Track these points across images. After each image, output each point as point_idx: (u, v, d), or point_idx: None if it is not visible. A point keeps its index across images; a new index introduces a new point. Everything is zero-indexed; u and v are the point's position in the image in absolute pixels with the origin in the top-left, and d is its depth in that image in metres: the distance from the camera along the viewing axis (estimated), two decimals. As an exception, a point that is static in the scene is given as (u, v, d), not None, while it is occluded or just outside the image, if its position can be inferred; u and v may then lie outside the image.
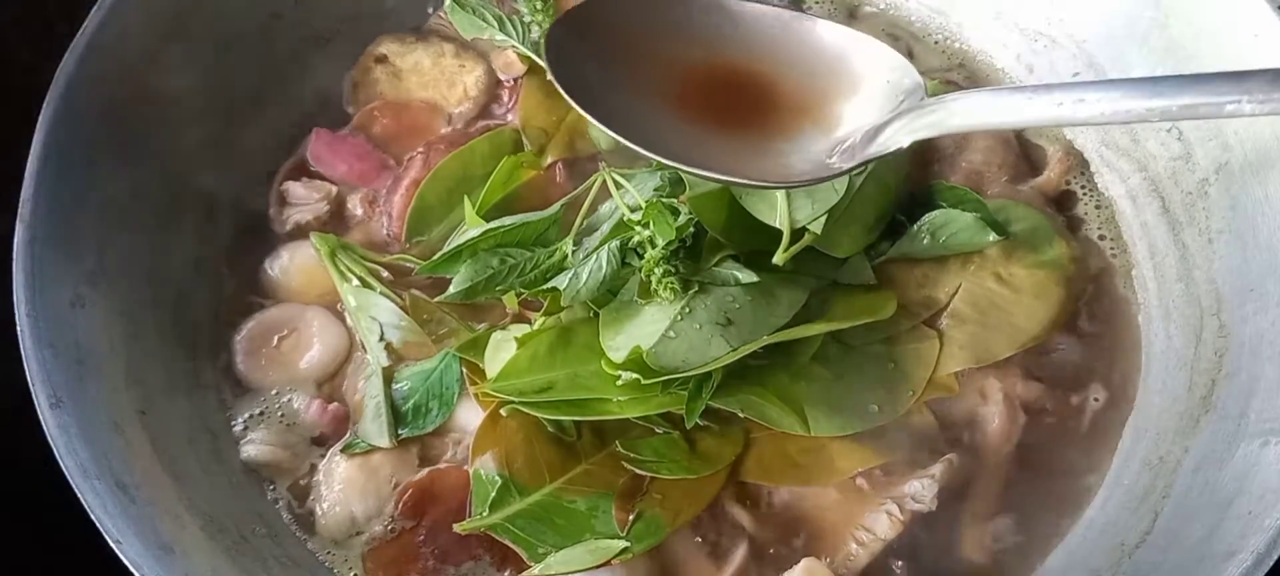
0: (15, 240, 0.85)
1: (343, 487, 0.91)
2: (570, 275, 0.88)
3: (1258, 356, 0.86)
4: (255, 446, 0.94)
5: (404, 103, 1.11)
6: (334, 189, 1.06)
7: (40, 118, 0.89)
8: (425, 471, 0.91)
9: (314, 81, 1.10)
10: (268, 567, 0.86)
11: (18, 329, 0.82)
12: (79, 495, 0.77)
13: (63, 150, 0.89)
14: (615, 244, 0.88)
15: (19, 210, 0.86)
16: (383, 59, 1.12)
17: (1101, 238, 1.02)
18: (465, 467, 0.89)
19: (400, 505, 0.90)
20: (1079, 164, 1.05)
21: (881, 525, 0.88)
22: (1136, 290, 1.00)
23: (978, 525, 0.90)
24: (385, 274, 1.00)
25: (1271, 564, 0.74)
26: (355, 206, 1.06)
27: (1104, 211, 1.03)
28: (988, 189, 1.00)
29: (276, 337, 0.99)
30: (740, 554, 0.88)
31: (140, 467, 0.83)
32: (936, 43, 1.13)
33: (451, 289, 0.90)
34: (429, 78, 1.11)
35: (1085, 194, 1.04)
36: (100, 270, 0.90)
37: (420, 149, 1.06)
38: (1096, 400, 0.95)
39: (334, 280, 0.99)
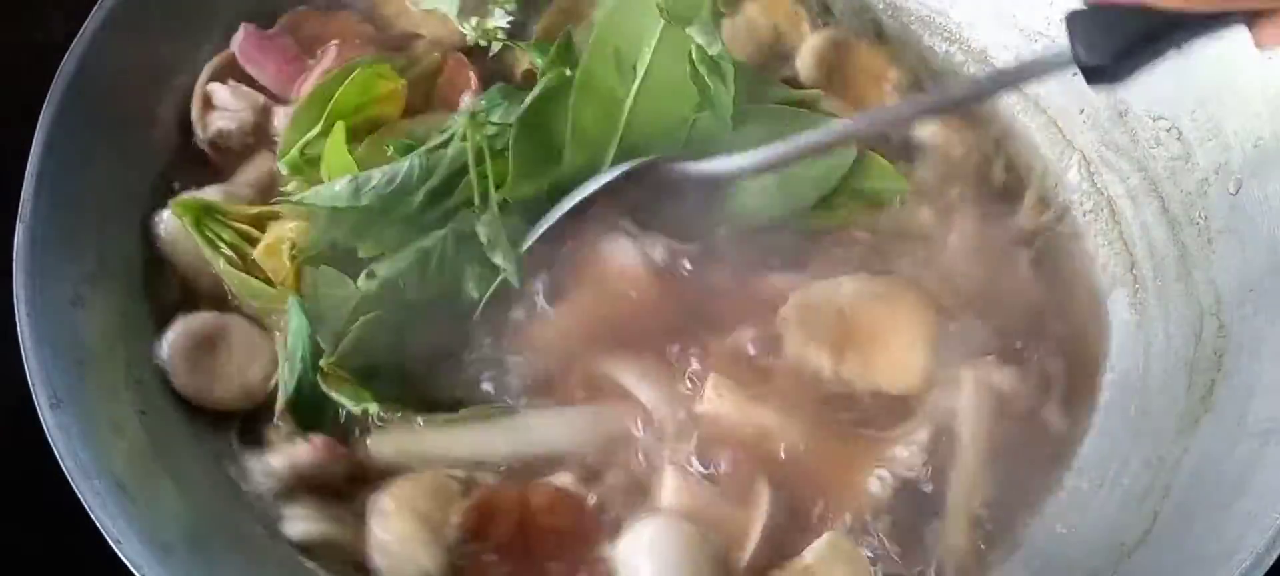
0: (15, 240, 0.85)
1: (402, 544, 0.84)
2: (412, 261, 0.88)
3: (1257, 356, 0.86)
4: (302, 524, 0.86)
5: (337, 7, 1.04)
6: (261, 99, 0.98)
7: (40, 118, 0.89)
8: (475, 494, 0.86)
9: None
10: (268, 567, 0.86)
11: (18, 329, 0.82)
12: (79, 495, 0.77)
13: (63, 150, 0.89)
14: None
15: (19, 210, 0.86)
16: None
17: (1101, 237, 1.03)
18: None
19: (464, 533, 0.85)
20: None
21: (873, 490, 0.88)
22: (1136, 290, 1.00)
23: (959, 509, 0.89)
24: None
25: (1271, 563, 0.74)
26: (281, 121, 0.97)
27: (1103, 211, 1.03)
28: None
29: (207, 349, 0.91)
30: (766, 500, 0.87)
31: (140, 467, 0.83)
32: (936, 42, 1.13)
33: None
34: None
35: (1084, 194, 1.04)
36: (100, 270, 0.90)
37: (335, 42, 0.98)
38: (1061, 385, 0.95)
39: (206, 255, 0.91)
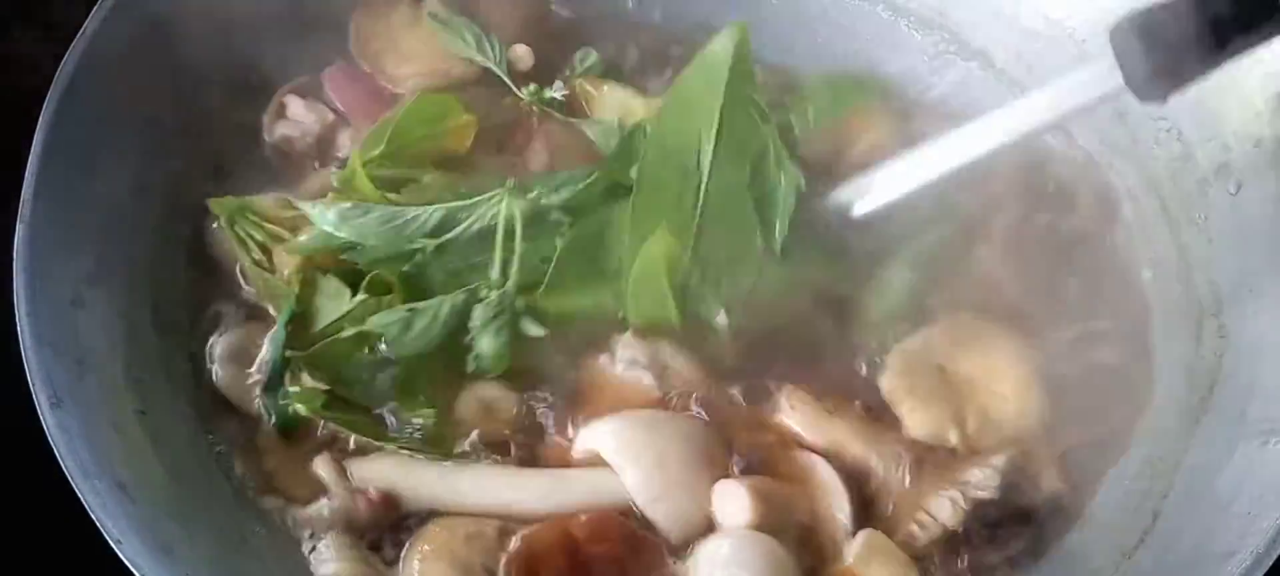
0: (15, 240, 0.85)
1: None
2: (399, 317, 0.87)
3: (1257, 357, 0.86)
4: (331, 565, 0.84)
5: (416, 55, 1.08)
6: (331, 116, 1.03)
7: (40, 118, 0.89)
8: (516, 540, 0.84)
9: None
10: (268, 567, 0.86)
11: (18, 329, 0.82)
12: (79, 495, 0.77)
13: (63, 150, 0.89)
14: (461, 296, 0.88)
15: (19, 210, 0.86)
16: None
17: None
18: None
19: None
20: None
21: (944, 511, 0.85)
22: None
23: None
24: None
25: (1270, 564, 0.74)
26: (345, 141, 1.02)
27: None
28: None
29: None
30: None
31: (140, 467, 0.83)
32: (937, 43, 1.13)
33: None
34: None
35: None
36: (100, 270, 0.90)
37: (416, 73, 1.05)
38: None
39: (237, 254, 0.95)
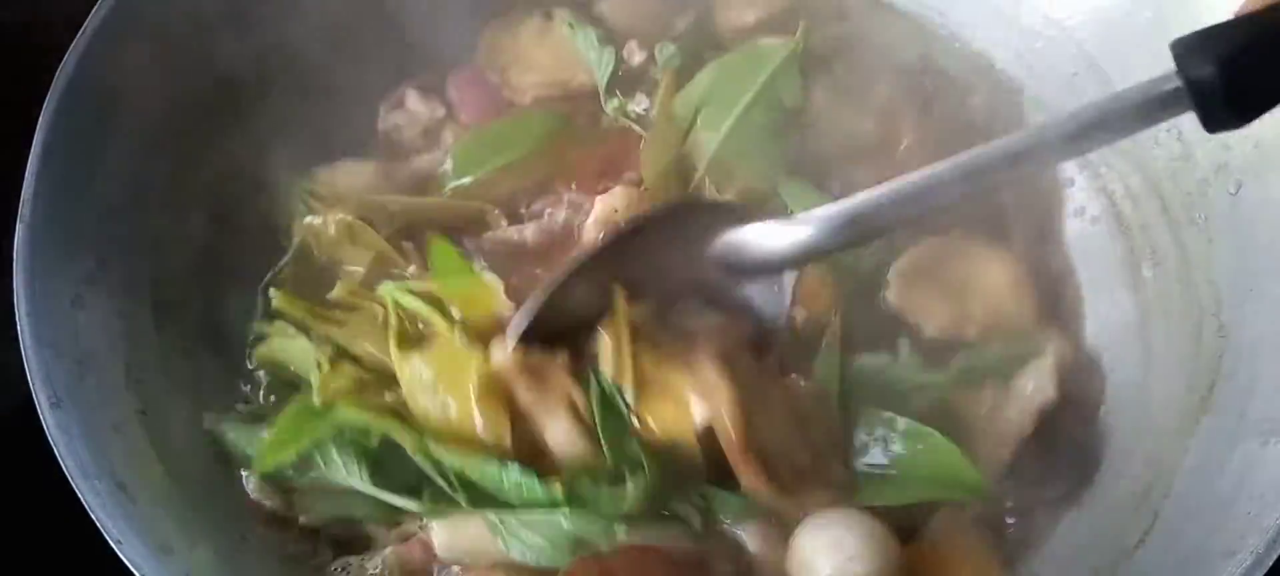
0: (15, 240, 0.85)
1: None
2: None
3: (1257, 356, 0.86)
4: None
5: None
6: (443, 112, 1.10)
7: (40, 117, 0.89)
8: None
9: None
10: (269, 567, 0.86)
11: (18, 329, 0.82)
12: (79, 495, 0.77)
13: (63, 150, 0.89)
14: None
15: (19, 210, 0.86)
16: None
17: (1101, 237, 1.03)
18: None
19: None
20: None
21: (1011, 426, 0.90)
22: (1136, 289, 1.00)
23: None
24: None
25: (1271, 563, 0.74)
26: (449, 137, 1.09)
27: (1104, 211, 1.03)
28: None
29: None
30: None
31: (140, 467, 0.83)
32: (936, 43, 1.13)
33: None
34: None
35: (1085, 194, 1.04)
36: (100, 270, 0.90)
37: (537, 83, 1.10)
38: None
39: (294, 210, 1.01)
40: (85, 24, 0.92)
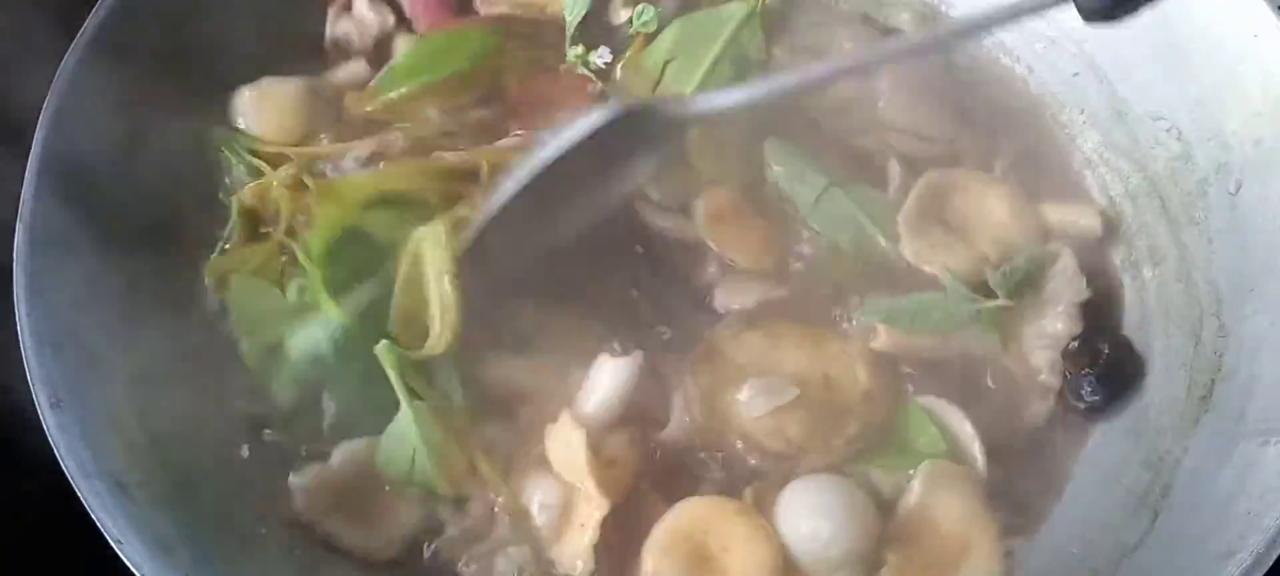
0: (15, 240, 0.85)
1: None
2: None
3: (1257, 356, 0.86)
4: None
5: None
6: (392, 21, 1.06)
7: (40, 117, 0.89)
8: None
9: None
10: (269, 567, 0.86)
11: (18, 329, 0.82)
12: (79, 495, 0.77)
13: (62, 150, 0.89)
14: None
15: (19, 210, 0.86)
16: None
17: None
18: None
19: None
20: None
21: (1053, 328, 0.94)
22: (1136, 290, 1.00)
23: None
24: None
25: (1271, 563, 0.74)
26: (400, 48, 1.05)
27: (1103, 211, 1.03)
28: None
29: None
30: None
31: (140, 467, 0.83)
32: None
33: None
34: None
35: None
36: (100, 270, 0.90)
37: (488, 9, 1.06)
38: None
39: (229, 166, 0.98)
40: (85, 23, 0.92)
